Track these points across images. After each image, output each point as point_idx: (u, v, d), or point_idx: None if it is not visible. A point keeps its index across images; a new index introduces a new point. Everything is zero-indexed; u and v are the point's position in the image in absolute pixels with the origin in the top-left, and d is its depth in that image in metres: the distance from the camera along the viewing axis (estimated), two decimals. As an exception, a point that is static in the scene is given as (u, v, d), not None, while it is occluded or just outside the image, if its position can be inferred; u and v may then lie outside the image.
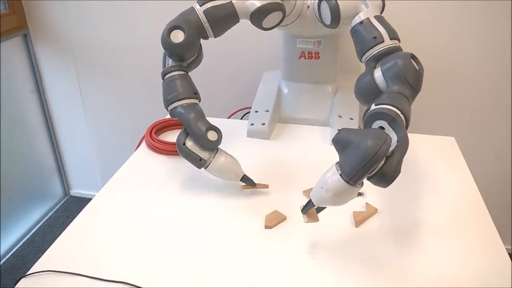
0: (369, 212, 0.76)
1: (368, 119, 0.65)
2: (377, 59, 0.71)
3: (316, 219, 0.68)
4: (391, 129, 0.62)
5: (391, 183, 0.59)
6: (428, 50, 1.29)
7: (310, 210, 0.67)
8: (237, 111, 1.30)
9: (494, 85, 1.32)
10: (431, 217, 0.77)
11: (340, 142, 0.61)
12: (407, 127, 0.64)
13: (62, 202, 1.96)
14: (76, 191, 2.00)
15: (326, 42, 1.06)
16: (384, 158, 0.58)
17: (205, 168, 0.80)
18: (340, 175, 0.60)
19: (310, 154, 0.98)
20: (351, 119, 1.06)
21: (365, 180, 0.61)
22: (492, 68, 1.30)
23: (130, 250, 0.71)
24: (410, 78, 0.66)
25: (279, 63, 1.17)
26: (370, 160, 0.56)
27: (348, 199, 0.63)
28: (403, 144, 0.60)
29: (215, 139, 0.78)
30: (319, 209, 0.68)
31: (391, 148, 0.60)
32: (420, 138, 1.01)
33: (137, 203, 0.82)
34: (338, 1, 0.77)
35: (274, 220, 0.75)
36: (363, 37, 0.73)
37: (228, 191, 0.85)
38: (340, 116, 1.05)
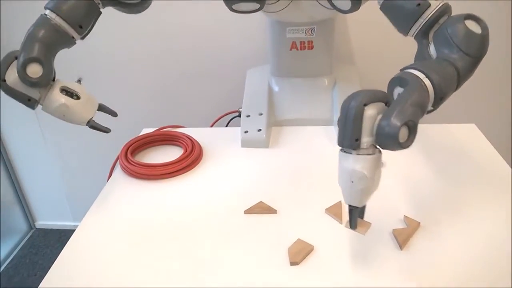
0: (412, 228, 0.62)
1: (388, 88, 0.54)
2: (429, 28, 0.60)
3: (369, 224, 0.56)
4: None
5: (393, 139, 0.45)
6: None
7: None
8: (221, 117, 1.14)
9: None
10: (479, 217, 0.64)
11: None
12: (441, 98, 0.52)
13: (28, 236, 1.74)
14: (42, 222, 1.78)
15: (320, 28, 0.91)
16: (379, 116, 0.48)
17: (42, 109, 0.64)
18: (357, 154, 0.49)
19: (319, 160, 0.83)
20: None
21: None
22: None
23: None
24: (459, 40, 0.55)
25: (263, 58, 1.02)
26: (344, 116, 0.49)
27: (380, 172, 0.52)
28: (405, 95, 0.48)
29: (37, 76, 0.59)
30: (361, 213, 0.55)
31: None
32: (441, 128, 0.88)
33: (127, 241, 0.65)
34: None
35: (300, 253, 0.59)
36: (404, 9, 0.60)
37: (230, 217, 0.69)
38: (345, 112, 0.91)
